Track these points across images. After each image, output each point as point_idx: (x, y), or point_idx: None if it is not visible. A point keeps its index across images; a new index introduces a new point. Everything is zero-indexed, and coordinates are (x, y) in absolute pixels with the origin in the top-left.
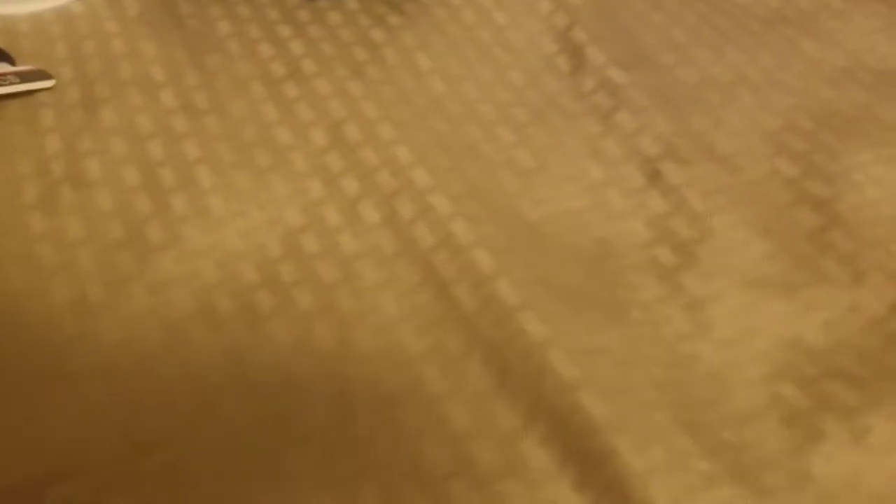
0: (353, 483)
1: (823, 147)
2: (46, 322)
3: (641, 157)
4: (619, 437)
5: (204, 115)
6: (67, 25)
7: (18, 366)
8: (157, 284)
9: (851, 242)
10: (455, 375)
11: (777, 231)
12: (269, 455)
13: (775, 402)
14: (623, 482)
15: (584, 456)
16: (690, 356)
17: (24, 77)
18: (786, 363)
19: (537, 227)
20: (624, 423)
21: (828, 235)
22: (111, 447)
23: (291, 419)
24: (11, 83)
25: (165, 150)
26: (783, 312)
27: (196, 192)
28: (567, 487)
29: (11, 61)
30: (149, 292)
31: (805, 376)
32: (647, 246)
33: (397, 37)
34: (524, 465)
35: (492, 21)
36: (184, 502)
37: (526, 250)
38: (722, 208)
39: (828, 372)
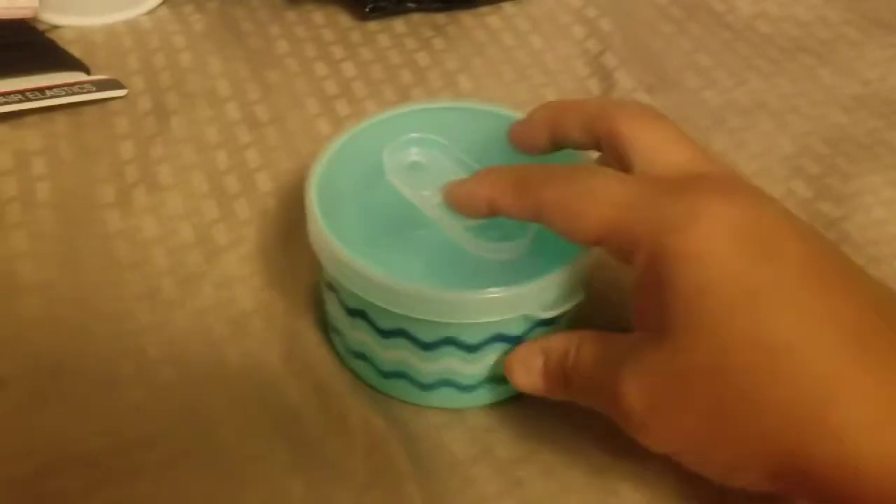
0: None
1: (836, 170)
2: (122, 312)
3: None
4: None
5: (264, 127)
6: (138, 38)
7: (95, 349)
8: (223, 281)
9: (858, 259)
10: None
11: None
12: (315, 439)
13: None
14: None
15: None
16: None
17: (99, 86)
18: None
19: None
20: None
21: None
22: (181, 422)
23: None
24: (88, 91)
25: (230, 159)
26: None
27: (255, 196)
28: None
29: (87, 71)
30: (215, 288)
31: None
32: None
33: (441, 60)
34: None
35: (528, 44)
36: (244, 476)
37: None
38: None
39: None
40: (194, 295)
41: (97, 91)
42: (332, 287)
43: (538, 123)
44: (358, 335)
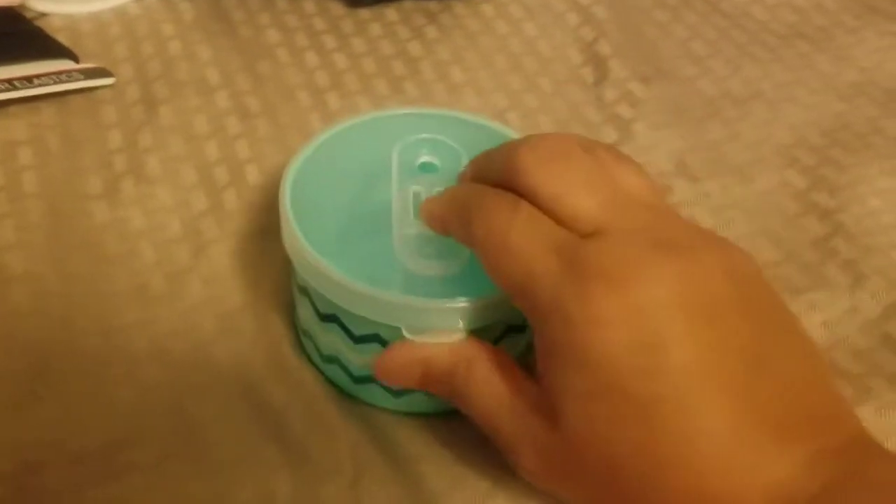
0: None
1: (832, 160)
2: (110, 308)
3: (654, 172)
4: None
5: (254, 118)
6: (126, 26)
7: (82, 345)
8: (211, 276)
9: (853, 249)
10: None
11: (785, 239)
12: (300, 437)
13: None
14: None
15: None
16: None
17: (88, 74)
18: None
19: None
20: None
21: (831, 243)
22: (167, 422)
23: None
24: (76, 80)
25: (220, 150)
26: None
27: (244, 188)
28: None
29: (76, 59)
30: (204, 283)
31: None
32: None
33: (434, 50)
34: None
35: (522, 32)
36: (231, 473)
37: None
38: (730, 222)
39: None
40: (182, 291)
41: (85, 79)
42: (304, 291)
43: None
44: (329, 339)
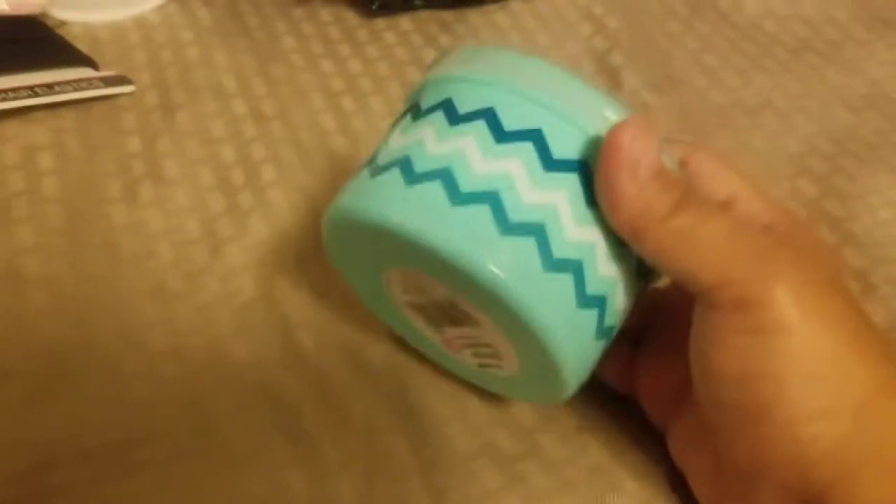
0: None
1: (842, 170)
2: (127, 307)
3: None
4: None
5: (270, 121)
6: (145, 34)
7: (102, 343)
8: (227, 273)
9: (863, 259)
10: None
11: None
12: (315, 432)
13: None
14: None
15: None
16: None
17: (107, 82)
18: None
19: None
20: None
21: (841, 253)
22: (181, 418)
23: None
24: (96, 87)
25: (236, 153)
26: None
27: (259, 186)
28: None
29: (96, 66)
30: (219, 281)
31: None
32: None
33: None
34: None
35: (535, 41)
36: (246, 468)
37: None
38: None
39: None
40: (199, 289)
41: (105, 87)
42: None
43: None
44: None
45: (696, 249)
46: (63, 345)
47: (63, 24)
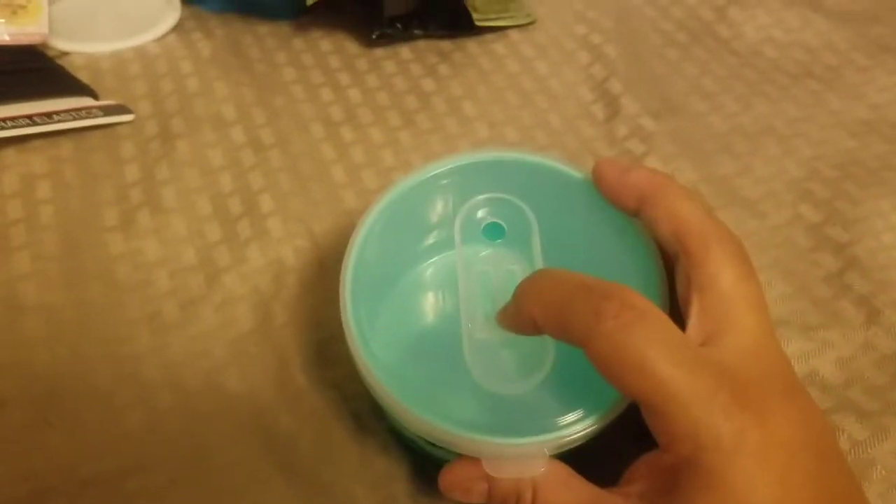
0: None
1: (844, 195)
2: (123, 336)
3: None
4: None
5: (268, 150)
6: (146, 64)
7: (94, 372)
8: (223, 302)
9: (867, 285)
10: None
11: (797, 273)
12: (311, 459)
13: None
14: None
15: None
16: None
17: (107, 111)
18: None
19: None
20: None
21: (845, 278)
22: (176, 448)
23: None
24: (95, 116)
25: (234, 181)
26: (801, 350)
27: (257, 216)
28: None
29: (95, 96)
30: (216, 311)
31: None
32: None
33: (446, 86)
34: None
35: (533, 70)
36: (239, 501)
37: None
38: None
39: (840, 406)
40: (195, 318)
41: (104, 116)
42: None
43: (632, 189)
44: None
45: None
46: (58, 373)
47: (64, 54)
